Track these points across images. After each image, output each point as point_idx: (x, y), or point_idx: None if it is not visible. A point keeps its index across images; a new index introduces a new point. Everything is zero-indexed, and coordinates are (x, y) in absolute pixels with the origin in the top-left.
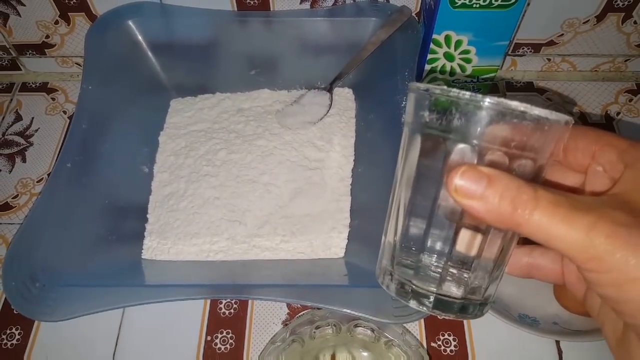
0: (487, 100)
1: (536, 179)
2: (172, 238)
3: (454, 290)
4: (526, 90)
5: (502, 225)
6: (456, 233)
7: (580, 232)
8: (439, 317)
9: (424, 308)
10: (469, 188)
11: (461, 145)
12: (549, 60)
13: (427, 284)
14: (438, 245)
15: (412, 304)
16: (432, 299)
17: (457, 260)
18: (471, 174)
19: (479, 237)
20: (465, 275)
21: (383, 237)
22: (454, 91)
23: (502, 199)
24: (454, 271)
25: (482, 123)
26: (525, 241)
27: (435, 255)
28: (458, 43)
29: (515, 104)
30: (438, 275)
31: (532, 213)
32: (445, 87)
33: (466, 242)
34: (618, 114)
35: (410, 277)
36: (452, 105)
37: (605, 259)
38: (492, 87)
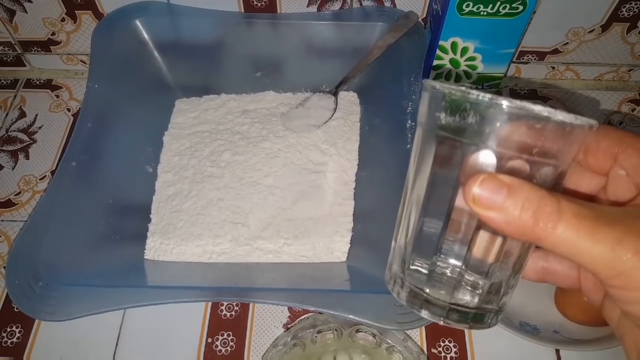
0: (509, 104)
1: (557, 186)
2: (175, 239)
3: (468, 299)
4: (530, 97)
5: (522, 237)
6: (472, 239)
7: (606, 247)
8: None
9: (440, 319)
10: (488, 198)
11: (479, 150)
12: (553, 68)
13: (440, 292)
14: (452, 251)
15: (424, 314)
16: (445, 309)
17: (473, 267)
18: (490, 183)
19: (496, 244)
20: (481, 282)
21: (393, 242)
22: (474, 92)
23: (524, 210)
24: (469, 279)
25: (503, 127)
26: None
27: (450, 262)
28: (464, 50)
29: (538, 109)
30: (452, 282)
31: (556, 226)
32: (463, 87)
33: (482, 249)
34: (621, 123)
35: (422, 285)
36: (471, 108)
37: (632, 276)
38: (496, 94)
